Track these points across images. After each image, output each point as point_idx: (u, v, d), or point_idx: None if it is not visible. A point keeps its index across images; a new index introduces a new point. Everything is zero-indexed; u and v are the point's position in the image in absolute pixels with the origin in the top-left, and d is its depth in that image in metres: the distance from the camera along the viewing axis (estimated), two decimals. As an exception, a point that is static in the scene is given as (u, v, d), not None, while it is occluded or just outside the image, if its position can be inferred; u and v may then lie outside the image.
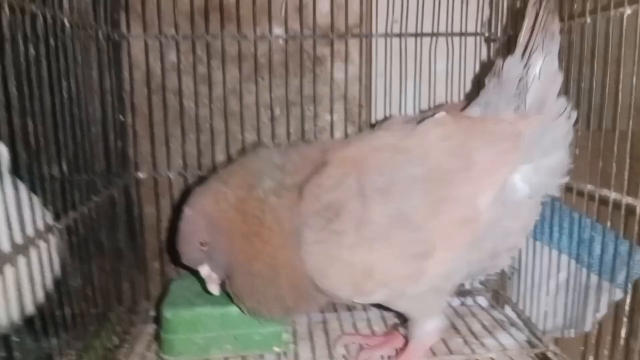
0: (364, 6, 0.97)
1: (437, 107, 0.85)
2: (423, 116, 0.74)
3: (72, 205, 0.65)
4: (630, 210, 0.64)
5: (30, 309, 0.54)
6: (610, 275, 0.75)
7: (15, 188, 0.51)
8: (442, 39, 0.98)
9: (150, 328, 0.90)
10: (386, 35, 0.97)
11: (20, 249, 0.50)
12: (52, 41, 0.60)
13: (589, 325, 0.76)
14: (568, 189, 0.75)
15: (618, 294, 0.76)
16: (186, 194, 0.76)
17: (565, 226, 0.84)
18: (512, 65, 0.69)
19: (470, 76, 0.99)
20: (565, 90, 0.72)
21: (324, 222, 0.66)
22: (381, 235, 0.65)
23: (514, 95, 0.68)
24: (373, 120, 1.02)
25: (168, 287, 0.87)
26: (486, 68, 0.98)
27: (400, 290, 0.68)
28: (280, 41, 0.95)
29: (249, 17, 0.92)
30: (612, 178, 0.66)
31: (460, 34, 0.98)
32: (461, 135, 0.68)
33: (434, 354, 0.79)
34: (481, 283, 1.03)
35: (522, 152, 0.67)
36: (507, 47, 0.91)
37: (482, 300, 1.01)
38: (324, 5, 0.95)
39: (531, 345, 0.84)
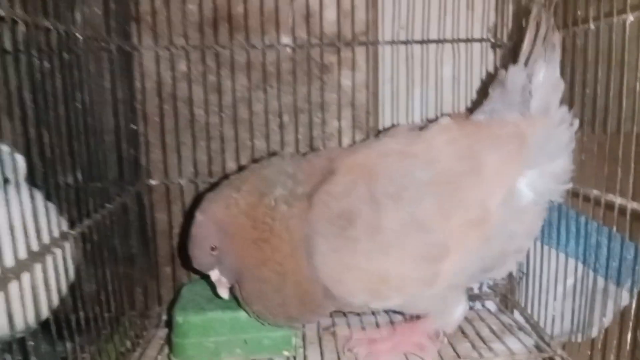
0: (370, 14, 0.98)
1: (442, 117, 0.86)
2: (427, 124, 0.75)
3: (87, 213, 0.67)
4: (636, 215, 0.64)
5: (45, 314, 0.56)
6: (617, 279, 0.75)
7: (32, 196, 0.53)
8: (448, 46, 0.98)
9: (162, 332, 0.91)
10: (392, 42, 0.98)
11: (36, 256, 0.52)
12: (65, 55, 0.62)
13: (596, 330, 0.76)
14: (574, 194, 0.75)
15: (625, 299, 0.76)
16: (197, 200, 0.77)
17: (572, 230, 0.85)
18: (516, 74, 0.70)
19: (477, 82, 1.00)
20: (570, 95, 0.73)
21: (337, 230, 0.67)
22: (395, 241, 0.66)
23: (519, 103, 0.69)
24: (380, 127, 1.03)
25: (179, 291, 0.89)
26: (492, 74, 0.99)
27: (416, 294, 0.69)
28: (288, 50, 0.96)
29: (257, 27, 0.94)
30: (617, 183, 0.67)
31: (467, 40, 0.98)
32: (467, 138, 0.69)
33: (441, 358, 0.79)
34: (490, 287, 1.04)
35: (528, 154, 0.68)
36: (513, 52, 0.92)
37: (491, 305, 1.02)
38: (330, 14, 0.97)
39: (539, 349, 0.84)
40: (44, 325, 0.57)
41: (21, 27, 0.51)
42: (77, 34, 0.65)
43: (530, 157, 0.68)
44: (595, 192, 0.71)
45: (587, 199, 0.74)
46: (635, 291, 0.82)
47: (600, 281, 0.73)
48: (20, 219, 0.50)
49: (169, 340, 0.84)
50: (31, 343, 0.49)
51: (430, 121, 0.86)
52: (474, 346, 0.84)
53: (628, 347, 0.66)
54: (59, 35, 0.60)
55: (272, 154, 0.93)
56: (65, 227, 0.62)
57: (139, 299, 0.90)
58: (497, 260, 0.72)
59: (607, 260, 0.77)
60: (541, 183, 0.69)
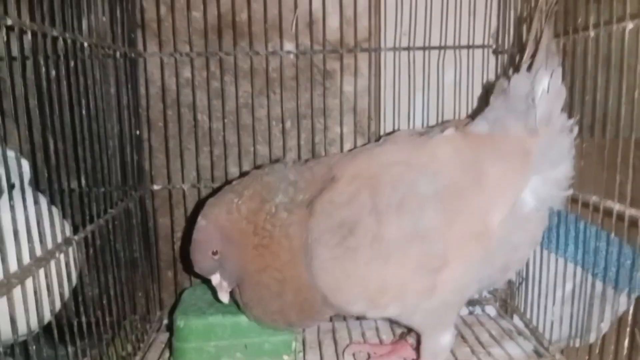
0: (373, 21, 0.99)
1: (445, 123, 0.86)
2: (430, 131, 0.75)
3: (90, 218, 0.68)
4: (634, 221, 0.65)
5: (48, 318, 0.56)
6: (615, 284, 0.75)
7: (36, 201, 0.54)
8: (450, 52, 0.99)
9: (164, 336, 0.92)
10: (394, 49, 0.98)
11: (40, 262, 0.52)
12: (72, 62, 0.63)
13: (594, 336, 0.76)
14: (574, 200, 0.76)
15: (623, 304, 0.76)
16: (200, 205, 0.78)
17: (571, 234, 0.85)
18: (519, 82, 0.70)
19: (478, 88, 1.00)
20: (570, 102, 0.74)
21: (338, 238, 0.67)
22: (396, 251, 0.66)
23: (522, 111, 0.69)
24: (382, 132, 1.03)
25: (181, 296, 0.89)
26: (494, 80, 1.00)
27: (414, 304, 0.69)
28: (291, 56, 0.97)
29: (260, 33, 0.95)
30: (616, 189, 0.67)
31: (468, 47, 0.99)
32: (471, 152, 0.69)
33: (441, 363, 0.80)
34: (490, 292, 1.04)
35: (532, 170, 0.68)
36: (515, 59, 0.92)
37: (491, 310, 1.02)
38: (333, 21, 0.97)
39: (538, 354, 0.84)
40: (46, 329, 0.57)
41: (28, 36, 0.52)
42: (84, 42, 0.66)
43: (533, 167, 0.68)
44: (594, 198, 0.72)
45: (586, 205, 0.74)
46: (633, 296, 0.82)
47: (599, 286, 0.73)
48: (25, 224, 0.50)
49: (170, 345, 0.85)
50: (33, 347, 0.49)
51: (431, 127, 0.87)
52: (473, 351, 0.85)
53: (625, 352, 0.66)
54: (66, 44, 0.61)
55: (275, 160, 0.93)
56: (69, 231, 0.63)
57: (141, 303, 0.91)
58: (500, 272, 0.73)
59: (605, 264, 0.77)
60: (543, 190, 0.70)
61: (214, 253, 0.72)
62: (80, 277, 0.66)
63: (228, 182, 0.82)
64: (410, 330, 0.81)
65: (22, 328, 0.48)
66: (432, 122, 1.01)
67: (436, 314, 0.71)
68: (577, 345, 0.78)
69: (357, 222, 0.67)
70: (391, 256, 0.66)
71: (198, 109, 0.97)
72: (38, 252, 0.52)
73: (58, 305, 0.59)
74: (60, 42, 0.59)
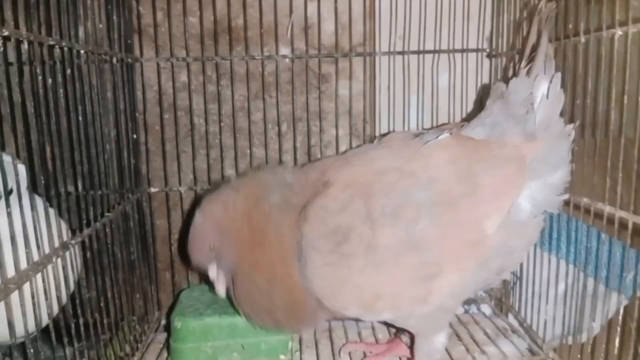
0: (367, 26, 1.00)
1: (440, 127, 0.87)
2: (425, 133, 0.75)
3: (87, 222, 0.69)
4: (623, 224, 0.65)
5: (46, 321, 0.57)
6: (606, 284, 0.76)
7: (34, 205, 0.54)
8: (444, 56, 1.00)
9: (161, 337, 0.93)
10: (389, 53, 0.99)
11: (37, 266, 0.53)
12: (68, 70, 0.64)
13: (586, 334, 0.77)
14: (565, 202, 0.76)
15: (614, 304, 0.77)
16: (196, 206, 0.79)
17: (563, 233, 0.86)
18: (518, 86, 0.70)
19: (472, 91, 1.01)
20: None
21: (332, 245, 0.67)
22: (390, 259, 0.66)
23: (521, 116, 0.69)
24: (377, 135, 1.04)
25: (178, 297, 0.90)
26: (488, 83, 1.01)
27: (409, 310, 0.70)
28: (287, 60, 0.98)
29: (256, 38, 0.96)
30: (606, 192, 0.68)
31: (462, 51, 1.00)
32: (466, 159, 0.68)
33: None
34: (485, 291, 1.05)
35: (527, 177, 0.68)
36: (509, 62, 0.93)
37: (486, 308, 1.03)
38: (328, 26, 0.99)
39: (532, 353, 0.85)
40: (44, 330, 0.58)
41: (25, 45, 0.53)
42: (80, 50, 0.67)
43: (531, 173, 0.68)
44: (585, 200, 0.73)
45: (577, 207, 0.75)
46: (623, 297, 0.83)
47: (591, 285, 0.74)
48: (22, 229, 0.51)
49: (167, 345, 0.86)
50: (31, 350, 0.50)
51: (427, 129, 0.88)
52: (467, 350, 0.86)
53: (616, 351, 0.67)
54: (62, 51, 0.62)
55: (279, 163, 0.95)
56: (67, 235, 0.64)
57: (139, 304, 0.91)
58: (496, 275, 0.73)
59: (596, 263, 0.78)
60: (540, 195, 0.69)
61: (211, 247, 0.73)
62: (78, 279, 0.67)
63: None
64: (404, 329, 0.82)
65: (19, 331, 0.49)
66: (427, 125, 1.02)
67: (431, 318, 0.72)
68: (570, 343, 0.79)
69: (351, 229, 0.67)
70: (385, 263, 0.66)
71: (195, 113, 0.98)
72: (35, 256, 0.53)
73: (56, 309, 0.60)
74: (57, 51, 0.60)
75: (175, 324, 0.81)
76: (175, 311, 0.84)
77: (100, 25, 0.77)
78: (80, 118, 0.68)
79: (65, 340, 0.59)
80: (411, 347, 0.79)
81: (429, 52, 1.00)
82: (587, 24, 0.71)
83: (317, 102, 1.00)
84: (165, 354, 0.86)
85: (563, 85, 0.74)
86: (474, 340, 0.89)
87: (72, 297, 0.65)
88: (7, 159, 0.59)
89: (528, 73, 0.70)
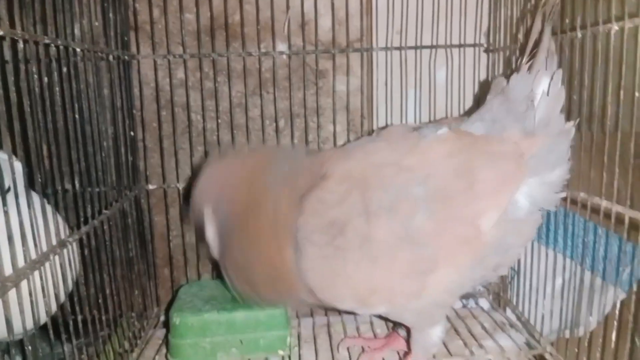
0: (364, 21, 1.00)
1: (438, 121, 0.87)
2: (424, 127, 0.75)
3: (85, 220, 0.69)
4: (620, 219, 0.66)
5: (44, 319, 0.57)
6: (602, 277, 0.77)
7: (32, 203, 0.54)
8: (441, 51, 1.00)
9: (160, 333, 0.93)
10: (386, 48, 0.99)
11: (35, 264, 0.53)
12: (64, 68, 0.64)
13: (583, 328, 0.78)
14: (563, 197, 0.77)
15: (610, 295, 0.78)
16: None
17: (561, 226, 0.86)
18: (519, 82, 0.70)
19: (470, 86, 1.02)
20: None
21: (328, 238, 0.67)
22: (386, 253, 0.66)
23: (522, 113, 0.69)
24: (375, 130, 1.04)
25: (177, 293, 0.91)
26: (486, 78, 1.01)
27: (403, 305, 0.70)
28: (284, 57, 0.98)
29: (253, 34, 0.95)
30: (602, 186, 0.68)
31: (460, 46, 1.00)
32: (464, 154, 0.68)
33: (433, 356, 0.81)
34: (483, 286, 1.05)
35: (525, 173, 0.68)
36: (506, 57, 0.93)
37: (484, 303, 1.04)
38: (325, 22, 0.98)
39: (529, 347, 0.86)
40: (42, 327, 0.58)
41: (20, 44, 0.53)
42: (76, 48, 0.67)
43: (530, 169, 0.68)
44: (582, 195, 0.73)
45: (574, 202, 0.75)
46: (620, 288, 0.84)
47: (588, 277, 0.74)
48: (19, 227, 0.51)
49: (166, 341, 0.86)
50: (29, 347, 0.50)
51: (426, 123, 0.88)
52: (465, 344, 0.86)
53: (613, 345, 0.68)
54: (58, 50, 0.62)
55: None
56: (65, 232, 0.64)
57: (137, 300, 0.92)
58: (493, 271, 0.73)
59: (593, 257, 0.79)
60: (538, 193, 0.69)
61: (210, 206, 0.74)
62: (77, 276, 0.68)
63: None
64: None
65: (17, 329, 0.49)
66: (424, 120, 1.02)
67: (426, 312, 0.72)
68: (568, 337, 0.80)
69: (347, 223, 0.67)
70: (380, 258, 0.66)
71: (192, 109, 0.98)
72: (33, 254, 0.53)
73: (54, 307, 0.60)
74: (53, 49, 0.60)
75: (174, 320, 0.82)
76: (174, 307, 0.85)
77: (97, 23, 0.77)
78: (77, 116, 0.68)
79: (64, 337, 0.59)
80: (408, 340, 0.79)
81: (426, 47, 1.00)
82: (584, 19, 0.71)
83: (314, 98, 1.00)
84: (164, 350, 0.86)
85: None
86: (472, 335, 0.90)
87: (70, 294, 0.65)
88: (3, 156, 0.59)
89: (529, 69, 0.70)
